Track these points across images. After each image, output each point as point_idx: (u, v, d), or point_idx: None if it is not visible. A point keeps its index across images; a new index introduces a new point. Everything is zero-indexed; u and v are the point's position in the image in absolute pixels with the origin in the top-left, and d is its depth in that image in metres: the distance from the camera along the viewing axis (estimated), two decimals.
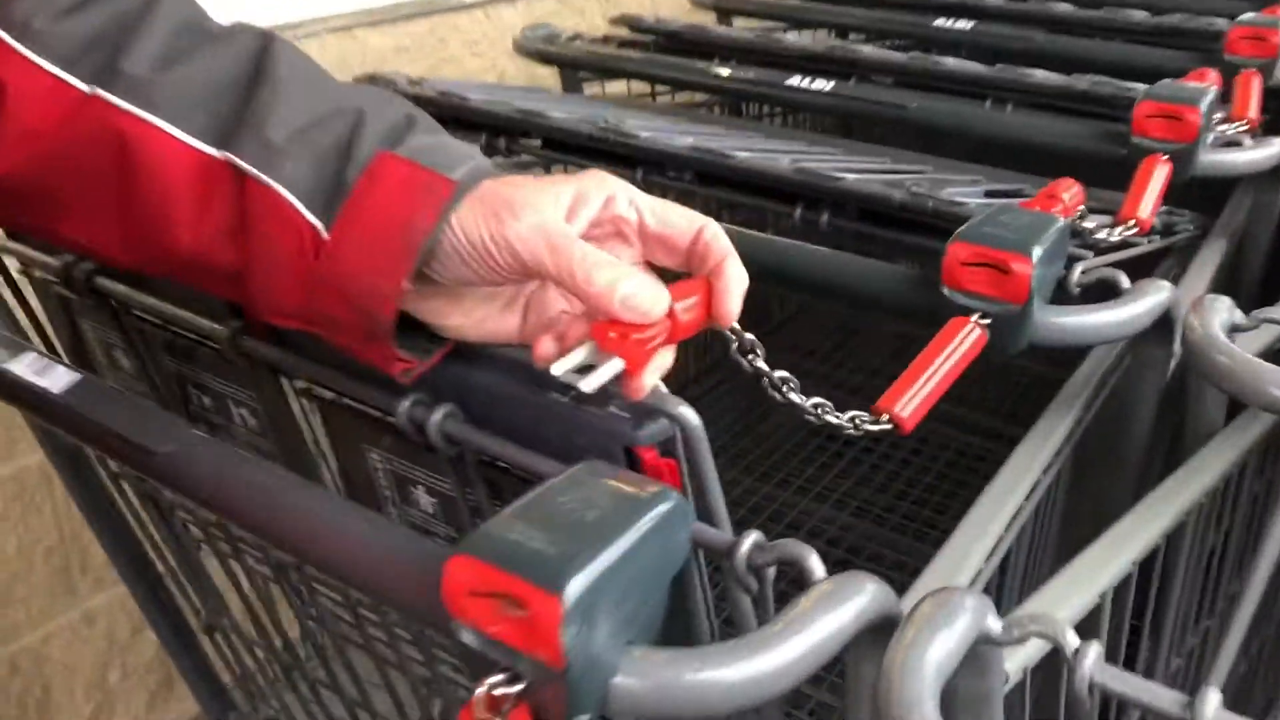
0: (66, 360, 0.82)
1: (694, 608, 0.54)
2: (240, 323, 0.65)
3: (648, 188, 0.54)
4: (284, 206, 0.51)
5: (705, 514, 0.54)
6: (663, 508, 0.41)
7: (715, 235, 0.51)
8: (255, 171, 0.51)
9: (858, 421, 0.57)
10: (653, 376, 0.50)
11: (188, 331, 0.67)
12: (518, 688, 0.40)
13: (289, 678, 1.10)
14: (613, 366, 0.49)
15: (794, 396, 0.56)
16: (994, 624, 0.45)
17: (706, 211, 0.55)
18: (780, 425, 1.59)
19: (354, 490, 0.71)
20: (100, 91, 0.52)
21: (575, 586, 0.37)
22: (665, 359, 0.51)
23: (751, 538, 0.49)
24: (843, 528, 1.42)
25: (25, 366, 0.57)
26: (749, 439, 1.58)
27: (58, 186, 0.54)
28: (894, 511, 1.43)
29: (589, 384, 0.48)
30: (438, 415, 0.57)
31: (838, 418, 0.57)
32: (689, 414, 0.53)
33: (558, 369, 0.49)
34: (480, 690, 0.39)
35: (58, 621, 1.46)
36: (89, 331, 0.81)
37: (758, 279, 0.54)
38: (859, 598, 0.43)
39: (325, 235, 0.50)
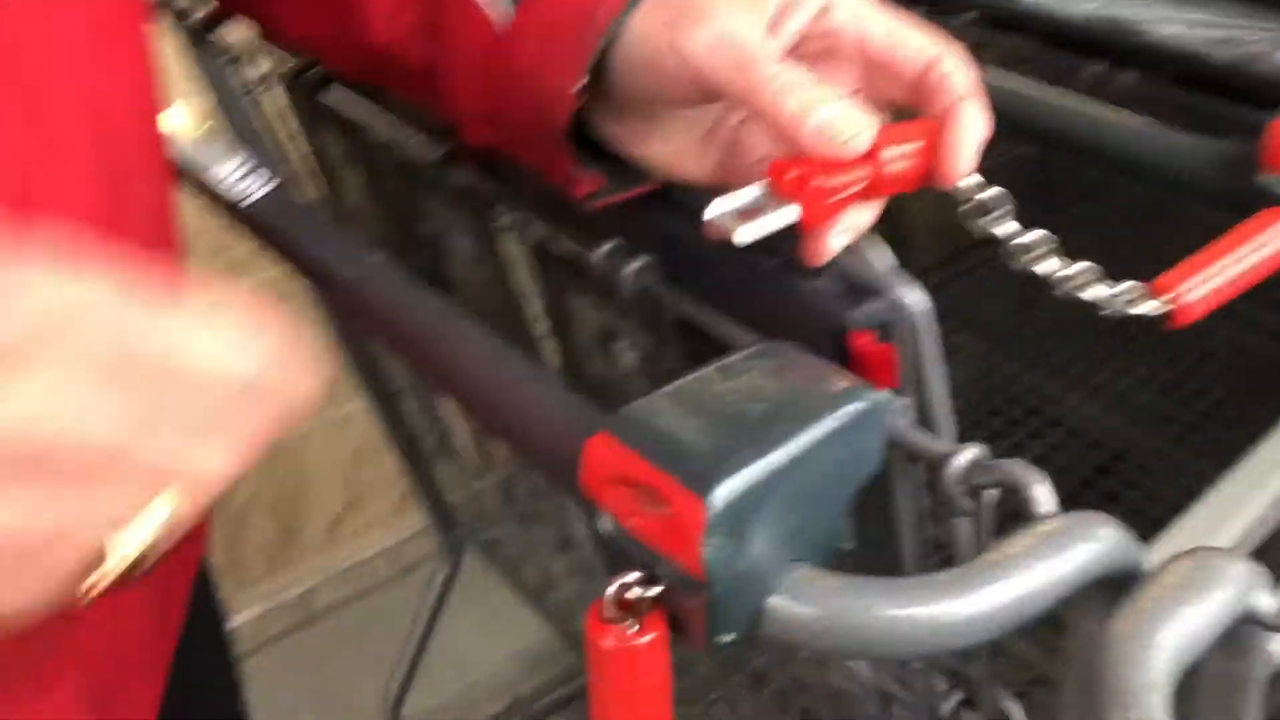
0: (301, 177, 0.82)
1: (899, 527, 0.47)
2: (451, 147, 0.61)
3: None
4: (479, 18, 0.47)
5: (924, 416, 0.47)
6: (849, 408, 0.34)
7: (953, 70, 0.41)
8: None
9: (1125, 299, 0.48)
10: (841, 238, 0.42)
11: (400, 152, 0.64)
12: (655, 591, 0.35)
13: (507, 507, 1.11)
14: (783, 216, 0.39)
15: (1044, 266, 0.46)
16: (1264, 601, 0.36)
17: (998, 64, 0.45)
18: (1064, 307, 1.44)
19: (558, 337, 0.67)
20: None
21: (725, 491, 0.31)
22: (861, 217, 0.42)
23: (969, 452, 0.41)
24: (1110, 430, 1.28)
25: (230, 171, 0.56)
26: (1023, 319, 1.45)
27: None
28: (1176, 420, 1.28)
29: (744, 232, 0.39)
30: (633, 266, 0.51)
31: (1101, 293, 0.47)
32: (915, 295, 0.44)
33: (712, 209, 0.40)
34: (612, 588, 0.34)
35: (318, 419, 1.54)
36: (329, 147, 0.80)
37: (1038, 143, 0.44)
38: (1088, 545, 0.35)
39: (507, 26, 0.46)
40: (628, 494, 0.33)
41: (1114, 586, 0.36)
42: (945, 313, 0.45)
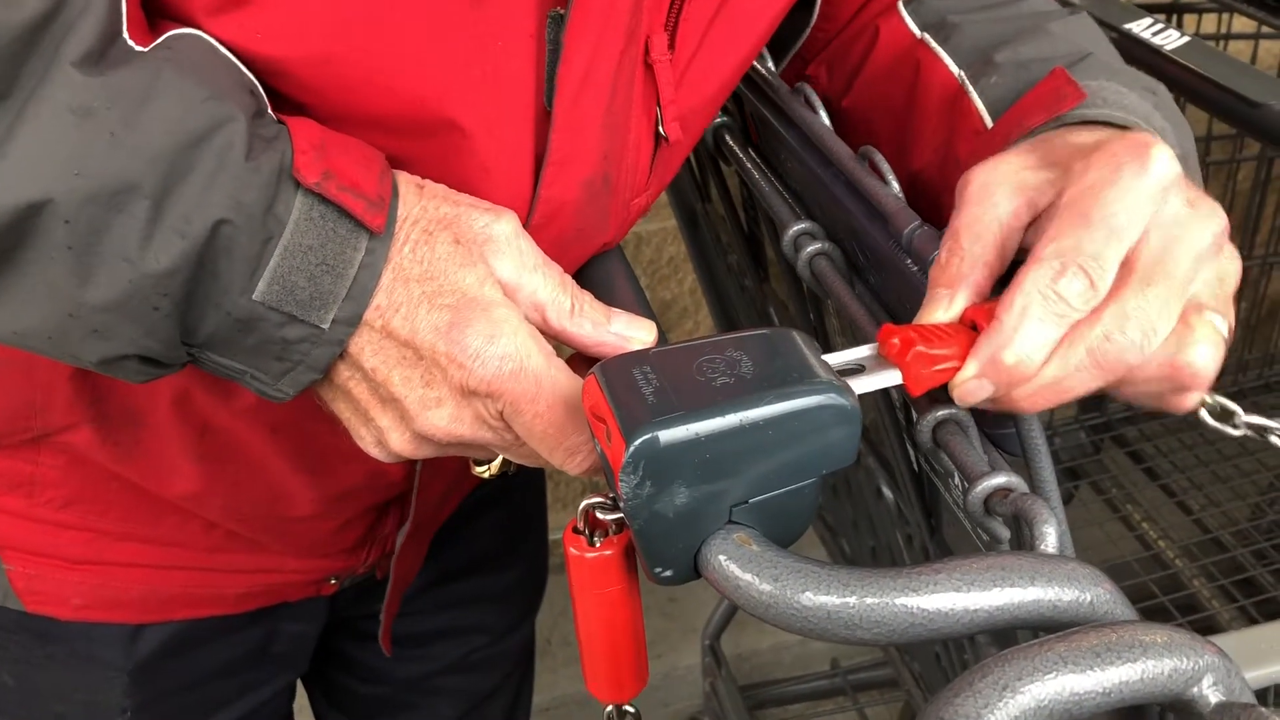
0: None
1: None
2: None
3: None
4: (976, 120, 0.55)
5: (1016, 442, 0.46)
6: (804, 401, 0.37)
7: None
8: (973, 92, 0.56)
9: None
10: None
11: None
12: (615, 516, 0.40)
13: None
14: (884, 379, 0.42)
15: None
16: (1206, 693, 0.34)
17: None
18: None
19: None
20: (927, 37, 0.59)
21: (645, 441, 0.36)
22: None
23: (999, 479, 0.41)
24: None
25: None
26: None
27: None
28: None
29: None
30: (810, 249, 0.55)
31: None
32: None
33: (832, 358, 0.42)
34: (582, 504, 0.40)
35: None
36: None
37: None
38: (1009, 589, 0.35)
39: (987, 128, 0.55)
40: (601, 427, 0.39)
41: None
42: None
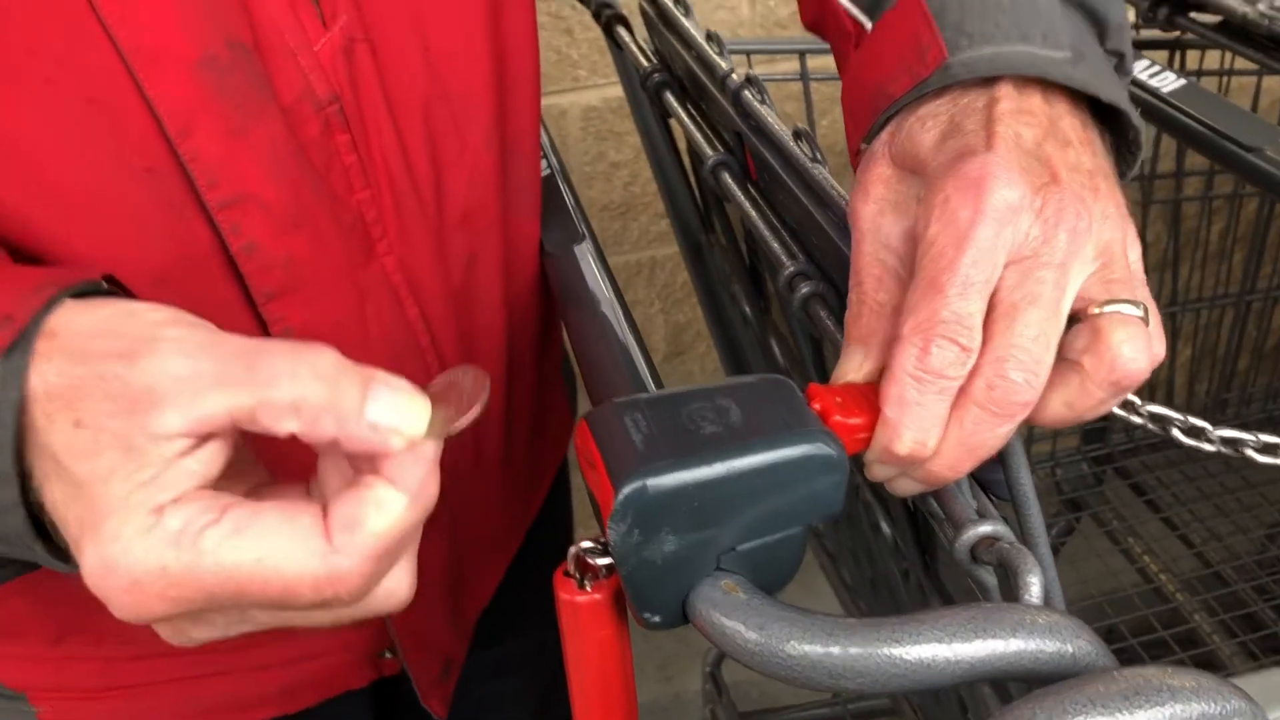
0: None
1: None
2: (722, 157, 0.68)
3: None
4: (846, 21, 0.52)
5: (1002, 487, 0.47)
6: (790, 451, 0.38)
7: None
8: None
9: None
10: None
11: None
12: (605, 561, 0.40)
13: None
14: None
15: None
16: None
17: None
18: None
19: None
20: None
21: (633, 489, 0.36)
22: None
23: (984, 527, 0.42)
24: None
25: None
26: None
27: None
28: None
29: None
30: (804, 290, 0.55)
31: None
32: None
33: None
34: (574, 548, 0.41)
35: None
36: None
37: None
38: (995, 640, 0.36)
39: (866, 30, 0.51)
40: (592, 473, 0.39)
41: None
42: None
